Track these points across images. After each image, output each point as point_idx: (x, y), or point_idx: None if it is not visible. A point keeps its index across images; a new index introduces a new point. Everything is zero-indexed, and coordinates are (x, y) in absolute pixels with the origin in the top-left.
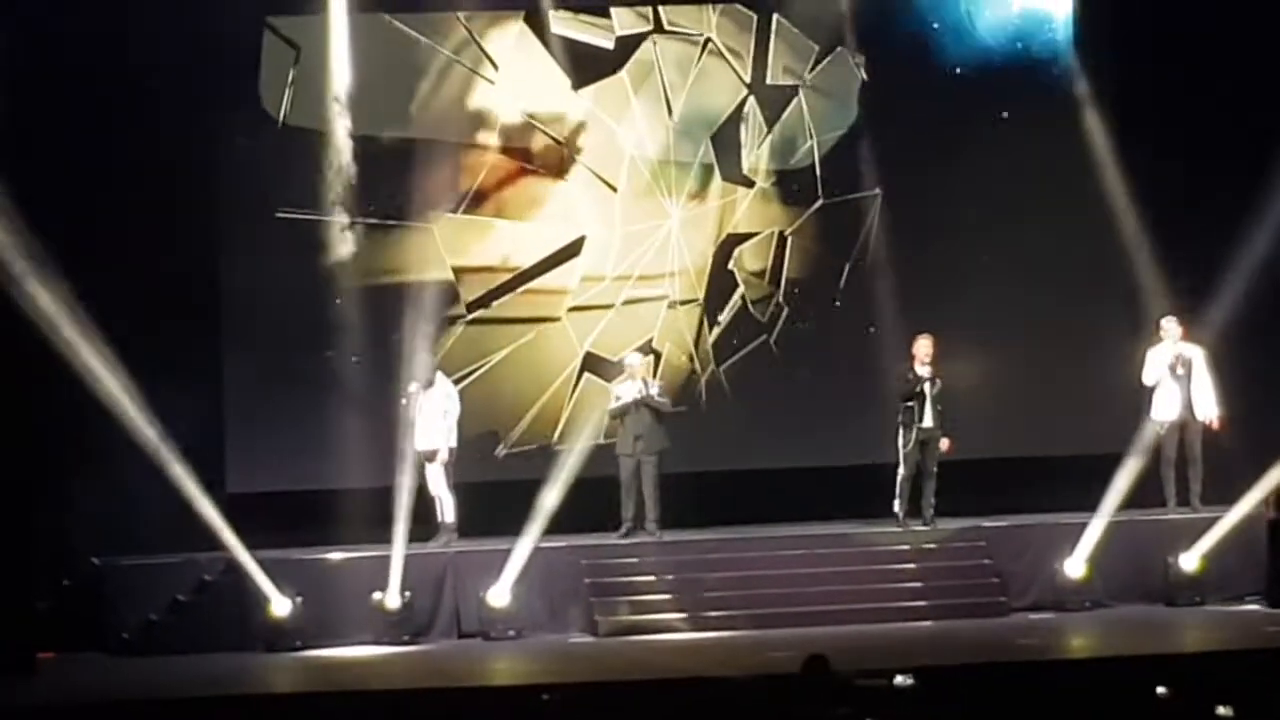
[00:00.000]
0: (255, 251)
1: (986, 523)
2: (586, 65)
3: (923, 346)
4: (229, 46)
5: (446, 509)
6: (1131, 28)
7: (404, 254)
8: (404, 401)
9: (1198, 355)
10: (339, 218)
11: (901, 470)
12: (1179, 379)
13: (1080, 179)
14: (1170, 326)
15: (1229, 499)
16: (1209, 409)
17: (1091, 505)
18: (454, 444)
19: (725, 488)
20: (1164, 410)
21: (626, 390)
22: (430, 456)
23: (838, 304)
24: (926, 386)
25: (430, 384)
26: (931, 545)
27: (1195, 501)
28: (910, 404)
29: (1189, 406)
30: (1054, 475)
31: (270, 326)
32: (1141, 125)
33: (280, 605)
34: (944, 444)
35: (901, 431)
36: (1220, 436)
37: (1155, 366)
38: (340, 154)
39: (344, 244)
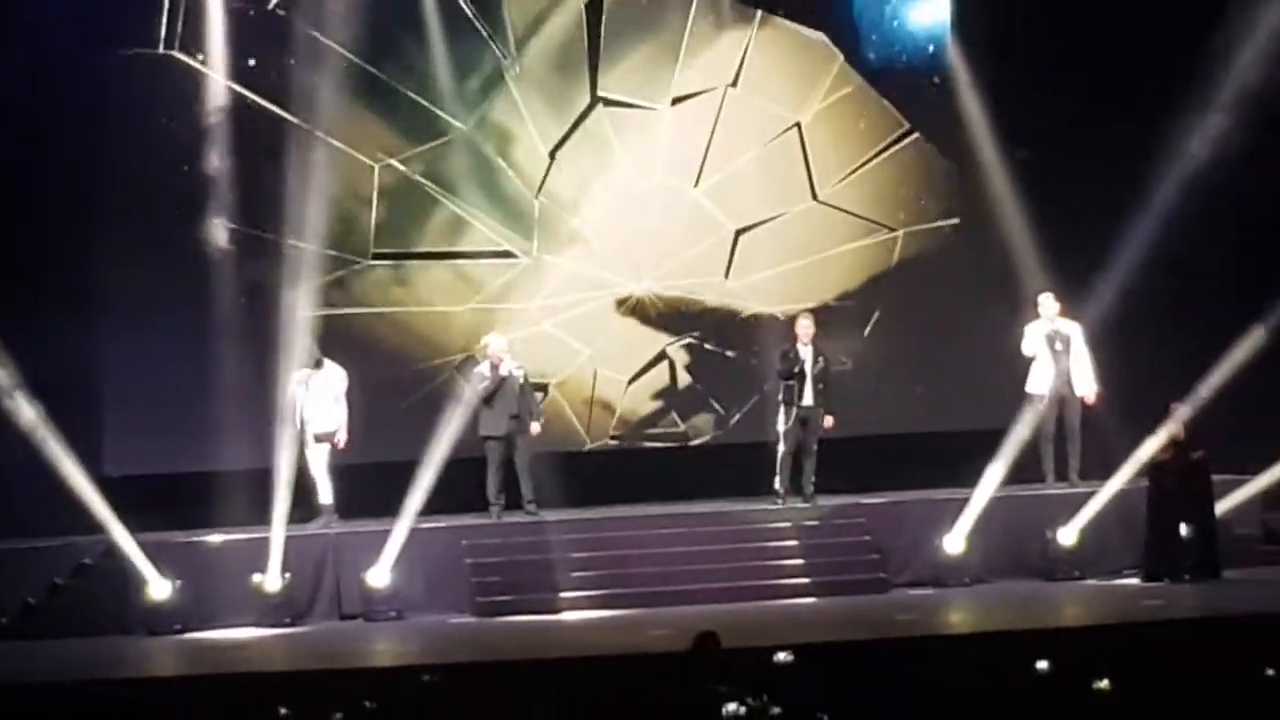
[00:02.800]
0: (132, 232)
1: (866, 499)
2: None
3: (804, 325)
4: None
5: (325, 491)
6: (1011, 10)
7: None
8: (293, 388)
9: (1075, 331)
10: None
11: (781, 447)
12: (1057, 354)
13: (958, 157)
14: (1047, 303)
15: (1108, 474)
16: (1086, 385)
17: (971, 481)
18: (345, 426)
19: (603, 466)
20: (1042, 385)
21: (489, 372)
22: (325, 438)
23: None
24: (807, 365)
25: (318, 364)
26: (812, 522)
27: (1074, 476)
28: (791, 382)
29: (1067, 382)
30: (934, 452)
31: (148, 308)
32: (1023, 104)
33: (160, 588)
34: (828, 421)
35: (782, 409)
36: (1099, 412)
37: (1031, 341)
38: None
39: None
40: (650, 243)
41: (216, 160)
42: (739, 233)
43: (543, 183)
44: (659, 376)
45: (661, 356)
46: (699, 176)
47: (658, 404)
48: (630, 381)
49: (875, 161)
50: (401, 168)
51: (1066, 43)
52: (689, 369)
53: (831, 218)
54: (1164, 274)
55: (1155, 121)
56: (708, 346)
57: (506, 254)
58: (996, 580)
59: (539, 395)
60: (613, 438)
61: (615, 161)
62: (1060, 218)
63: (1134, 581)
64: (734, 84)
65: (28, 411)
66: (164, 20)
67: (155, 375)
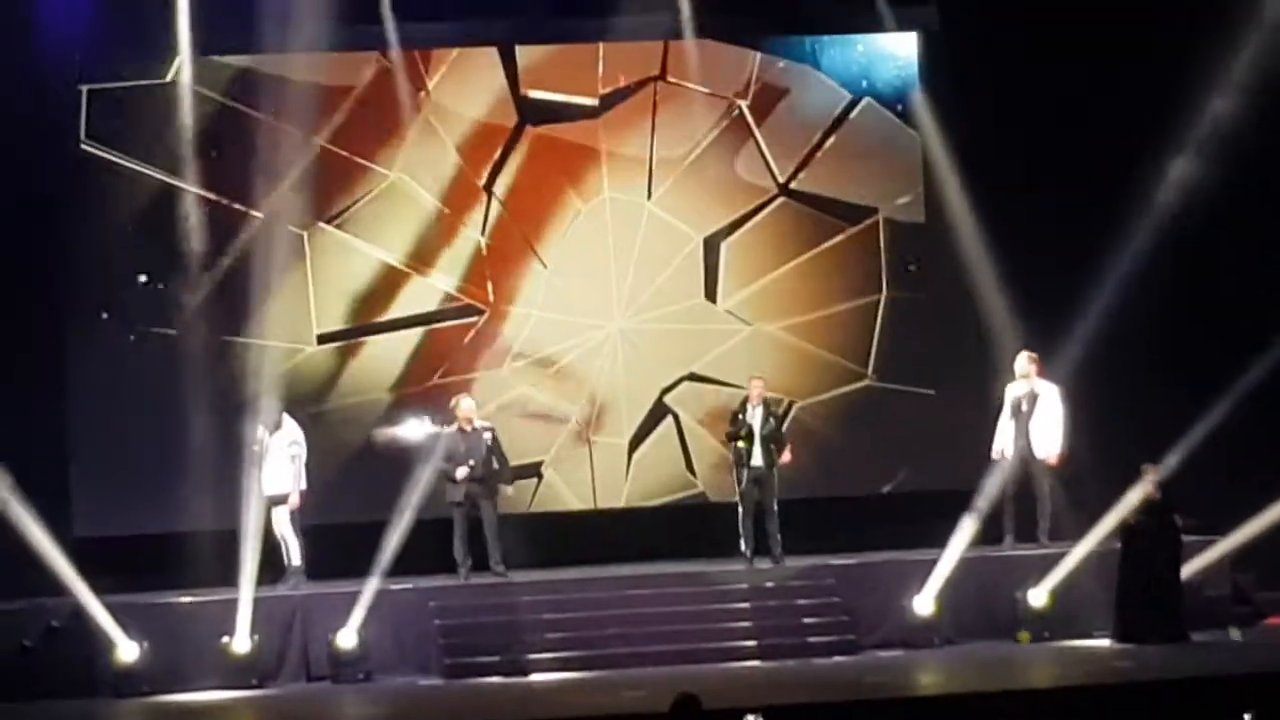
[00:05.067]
0: (99, 291)
1: (835, 560)
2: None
3: (755, 386)
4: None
5: (293, 552)
6: (978, 66)
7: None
8: (255, 448)
9: (1048, 391)
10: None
11: (740, 509)
12: (1020, 415)
13: (930, 215)
14: (1021, 363)
15: (1082, 534)
16: (1050, 446)
17: (940, 542)
18: (303, 486)
19: (573, 527)
20: (1004, 446)
21: (459, 433)
22: (278, 501)
23: None
24: (756, 426)
25: (277, 426)
26: (780, 583)
27: (1042, 538)
28: (740, 444)
29: (1029, 443)
30: (902, 512)
31: (116, 369)
32: (991, 163)
33: (128, 650)
34: (785, 456)
35: (735, 471)
36: (1076, 469)
37: (1008, 405)
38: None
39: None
40: (615, 272)
41: (163, 247)
42: (708, 242)
43: (485, 221)
44: (666, 433)
45: (662, 409)
46: (650, 185)
47: (670, 465)
48: (633, 446)
49: (834, 138)
50: (333, 230)
51: (1038, 85)
52: (695, 417)
53: (805, 208)
54: (1142, 328)
55: (1129, 168)
56: (709, 384)
57: (467, 310)
58: (967, 641)
59: (535, 479)
60: (649, 509)
61: (556, 184)
62: (1036, 274)
63: (1104, 643)
64: (662, 76)
65: None
66: (83, 115)
67: (123, 437)
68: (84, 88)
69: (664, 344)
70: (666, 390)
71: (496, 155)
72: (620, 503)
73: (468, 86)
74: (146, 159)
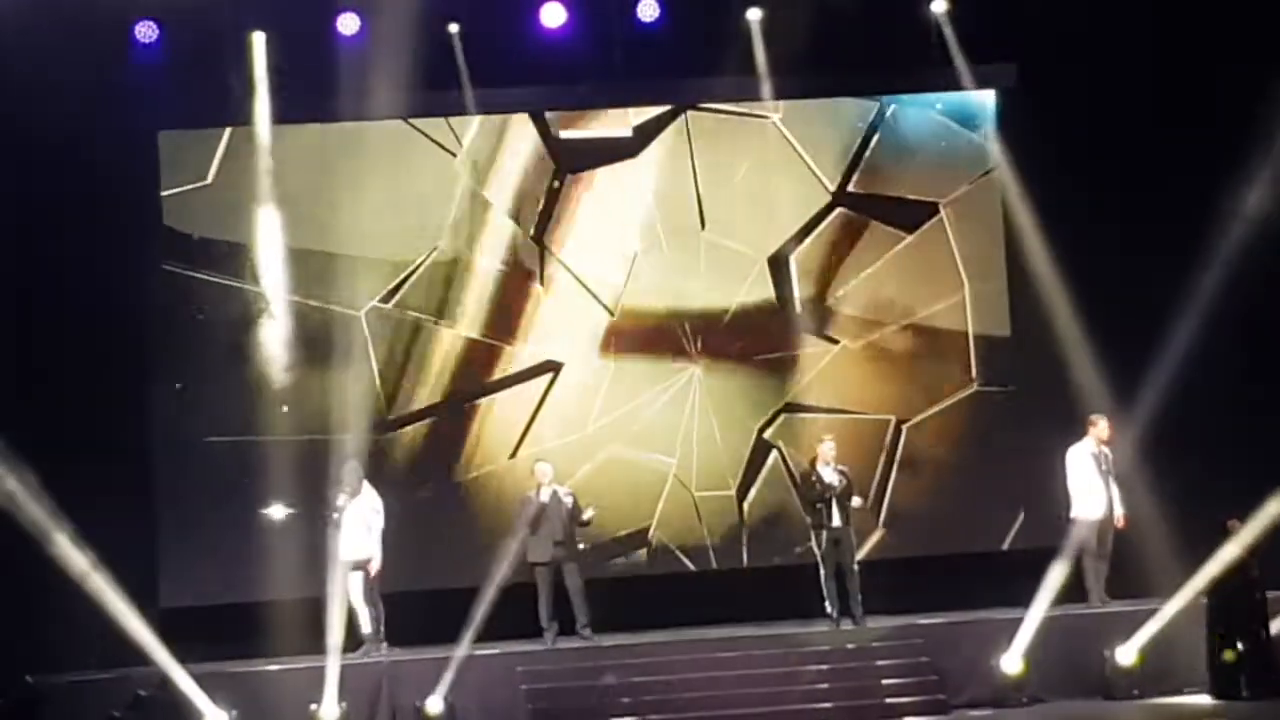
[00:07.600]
0: (184, 366)
1: (923, 620)
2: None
3: (826, 448)
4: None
5: (365, 620)
6: (1057, 117)
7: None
8: (334, 516)
9: (1108, 455)
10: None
11: (822, 571)
12: (1104, 476)
13: (1011, 271)
14: (1103, 427)
15: (1166, 591)
16: (1119, 507)
17: (1027, 600)
18: (379, 554)
19: (661, 589)
20: (1094, 508)
21: (537, 497)
22: (359, 566)
23: None
24: (833, 485)
25: (357, 493)
26: (868, 644)
27: (1104, 595)
28: (818, 505)
29: (1111, 503)
30: (990, 571)
31: (201, 440)
32: (1072, 217)
33: (216, 719)
34: (855, 501)
35: (813, 534)
36: (1153, 527)
37: (1079, 464)
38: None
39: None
40: (684, 309)
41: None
42: (773, 261)
43: (542, 275)
44: (773, 472)
45: (764, 446)
46: (701, 214)
47: (784, 510)
48: (741, 493)
49: (876, 138)
50: (389, 308)
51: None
52: (800, 450)
53: (864, 213)
54: (1217, 384)
55: (1202, 223)
56: (808, 413)
57: (541, 369)
58: (1055, 699)
59: (639, 553)
60: (748, 569)
61: (607, 228)
62: (1116, 332)
63: (1195, 700)
64: (690, 103)
65: (82, 545)
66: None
67: (208, 507)
68: (164, 193)
69: (751, 377)
70: (764, 426)
71: (540, 206)
72: (741, 561)
73: (499, 139)
74: (220, 266)
